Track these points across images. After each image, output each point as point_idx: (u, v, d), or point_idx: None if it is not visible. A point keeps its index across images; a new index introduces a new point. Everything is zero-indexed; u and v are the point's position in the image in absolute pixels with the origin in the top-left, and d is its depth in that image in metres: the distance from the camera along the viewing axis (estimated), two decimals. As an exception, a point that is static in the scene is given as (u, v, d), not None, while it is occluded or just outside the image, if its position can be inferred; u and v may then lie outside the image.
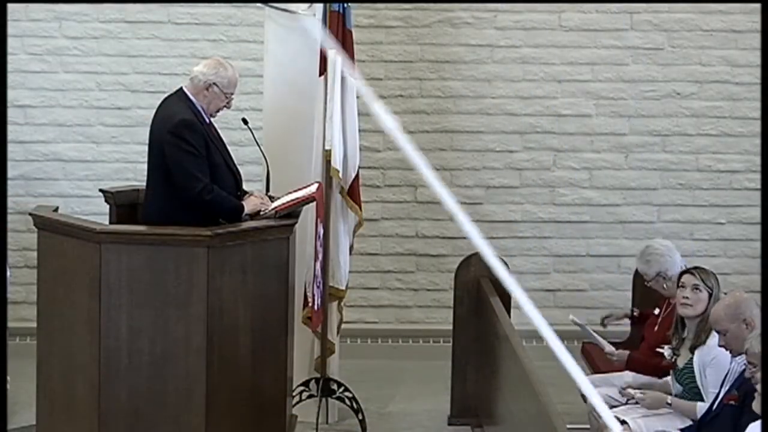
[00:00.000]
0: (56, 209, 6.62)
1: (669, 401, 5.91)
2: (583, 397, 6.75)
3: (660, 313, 6.83)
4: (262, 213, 6.38)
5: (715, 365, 5.83)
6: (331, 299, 7.20)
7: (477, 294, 7.40)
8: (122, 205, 6.74)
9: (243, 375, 6.14)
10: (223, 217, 6.30)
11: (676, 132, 8.76)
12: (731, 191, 8.77)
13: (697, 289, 6.10)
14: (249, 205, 6.38)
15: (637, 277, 7.64)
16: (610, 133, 8.76)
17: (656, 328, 6.73)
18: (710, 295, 6.07)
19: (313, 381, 7.24)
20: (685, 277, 6.17)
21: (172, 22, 8.60)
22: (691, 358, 6.03)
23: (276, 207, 6.41)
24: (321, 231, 6.83)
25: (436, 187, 2.78)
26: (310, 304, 6.97)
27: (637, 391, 6.04)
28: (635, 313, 7.17)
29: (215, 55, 7.31)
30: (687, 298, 6.10)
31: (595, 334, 6.84)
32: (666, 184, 8.78)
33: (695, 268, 6.29)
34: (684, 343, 6.17)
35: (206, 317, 5.96)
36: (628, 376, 6.64)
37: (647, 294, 6.98)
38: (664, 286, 6.70)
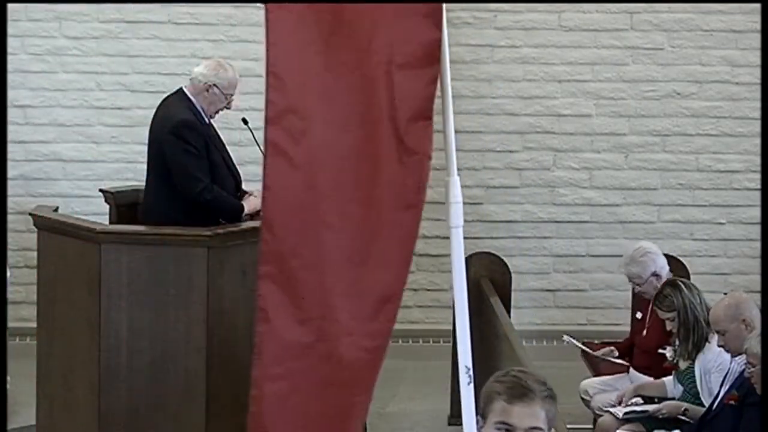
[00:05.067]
0: (56, 209, 6.62)
1: (685, 408, 5.90)
2: (584, 402, 6.75)
3: (644, 317, 6.84)
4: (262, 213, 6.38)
5: (720, 371, 5.83)
6: (331, 299, 7.18)
7: (477, 294, 7.40)
8: (122, 205, 6.75)
9: (243, 375, 6.11)
10: (223, 217, 6.30)
11: (676, 132, 8.76)
12: (731, 191, 8.76)
13: (670, 320, 6.16)
14: (249, 205, 6.38)
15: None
16: (610, 133, 8.76)
17: (645, 333, 6.72)
18: (684, 308, 6.09)
19: (313, 381, 7.23)
20: (658, 312, 6.25)
21: (172, 22, 8.60)
22: (693, 361, 6.05)
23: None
24: (321, 231, 6.82)
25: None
26: (310, 304, 6.96)
27: (652, 406, 6.04)
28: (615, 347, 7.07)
29: (215, 55, 7.32)
30: (671, 329, 6.18)
31: (588, 350, 6.87)
32: (666, 184, 8.78)
33: (656, 298, 6.29)
34: (686, 346, 6.17)
35: (206, 317, 5.95)
36: (628, 379, 6.64)
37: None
38: (658, 285, 6.70)
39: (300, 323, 3.87)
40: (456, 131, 9.57)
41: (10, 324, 7.33)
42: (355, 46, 3.85)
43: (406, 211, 4.06)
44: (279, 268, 3.83)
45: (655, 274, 6.66)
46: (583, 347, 6.83)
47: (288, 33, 3.77)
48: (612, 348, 6.90)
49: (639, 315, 6.92)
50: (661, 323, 6.37)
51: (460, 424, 7.82)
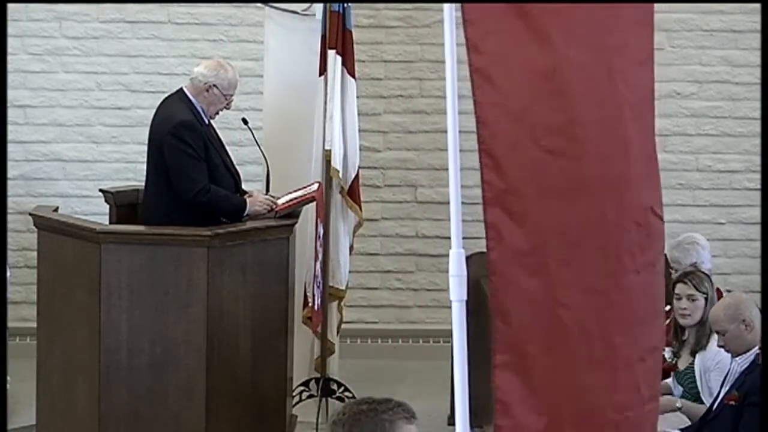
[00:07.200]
0: (56, 209, 6.62)
1: (679, 405, 5.90)
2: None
3: (671, 310, 6.81)
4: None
5: (719, 370, 5.83)
6: (331, 299, 7.19)
7: (476, 293, 7.39)
8: (122, 205, 6.75)
9: (243, 375, 6.14)
10: (225, 216, 6.31)
11: (676, 132, 8.76)
12: (731, 191, 8.76)
13: (692, 298, 6.11)
14: (253, 207, 6.37)
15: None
16: (610, 133, 8.75)
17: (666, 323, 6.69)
18: (706, 300, 6.08)
19: (313, 381, 7.24)
20: (680, 287, 6.17)
21: (172, 22, 8.60)
22: (692, 362, 6.04)
23: (276, 207, 6.43)
24: (321, 231, 6.84)
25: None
26: (310, 304, 6.97)
27: None
28: None
29: (215, 55, 7.32)
30: (685, 308, 6.12)
31: None
32: (666, 184, 8.70)
33: (686, 275, 6.27)
34: (684, 346, 6.17)
35: (206, 317, 5.96)
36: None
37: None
38: None
39: (539, 413, 3.71)
40: (456, 131, 9.47)
41: (10, 324, 7.33)
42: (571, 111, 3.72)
43: (651, 269, 3.85)
44: (517, 357, 3.70)
45: (694, 266, 6.67)
46: None
47: (494, 106, 3.68)
48: None
49: (668, 307, 6.89)
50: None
51: (460, 424, 7.78)
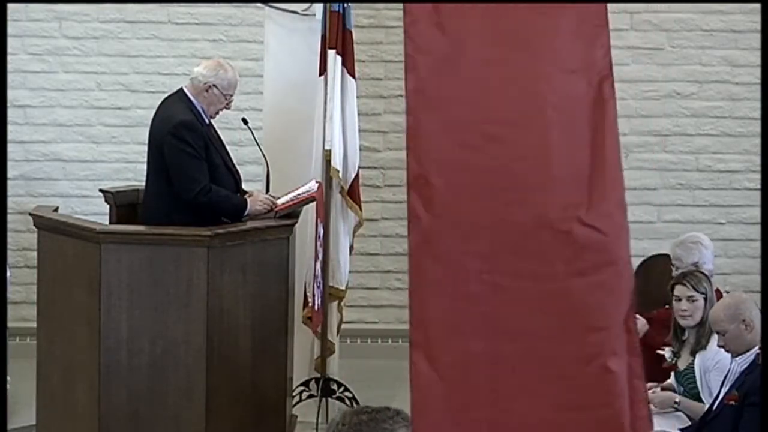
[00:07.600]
0: (56, 209, 6.62)
1: (677, 400, 5.91)
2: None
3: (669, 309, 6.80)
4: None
5: (719, 369, 5.83)
6: (331, 299, 7.19)
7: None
8: (122, 205, 6.75)
9: (243, 375, 6.14)
10: (225, 216, 6.31)
11: (676, 132, 8.76)
12: (731, 191, 8.76)
13: (692, 299, 6.11)
14: (253, 207, 6.37)
15: (638, 276, 7.63)
16: (610, 133, 8.75)
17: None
18: (705, 300, 6.08)
19: (313, 381, 7.24)
20: (678, 289, 6.18)
21: (172, 22, 8.60)
22: (692, 362, 6.04)
23: (276, 207, 6.43)
24: (321, 231, 6.84)
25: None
26: (310, 304, 6.97)
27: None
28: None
29: (215, 55, 7.32)
30: (685, 310, 6.12)
31: None
32: (666, 184, 8.78)
33: (685, 276, 6.27)
34: (684, 346, 6.18)
35: (206, 317, 5.96)
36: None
37: (647, 293, 6.96)
38: None
39: (444, 393, 3.80)
40: (456, 131, 9.46)
41: (10, 324, 7.33)
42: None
43: (579, 281, 3.74)
44: (424, 338, 3.82)
45: (696, 265, 6.67)
46: None
47: (416, 93, 3.73)
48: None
49: (667, 306, 6.90)
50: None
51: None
